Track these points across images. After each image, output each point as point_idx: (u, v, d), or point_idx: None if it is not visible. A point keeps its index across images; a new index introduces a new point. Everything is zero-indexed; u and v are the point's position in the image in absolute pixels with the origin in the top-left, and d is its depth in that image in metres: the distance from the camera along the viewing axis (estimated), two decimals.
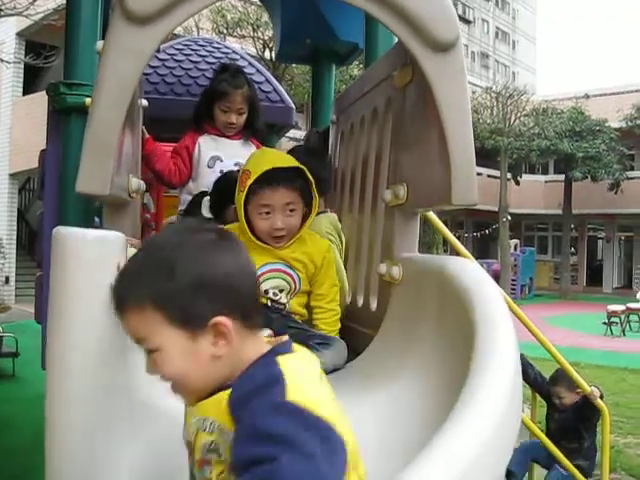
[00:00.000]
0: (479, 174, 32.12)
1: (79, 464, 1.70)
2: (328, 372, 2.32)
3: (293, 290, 2.62)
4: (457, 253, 4.39)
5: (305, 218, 2.61)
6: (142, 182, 2.47)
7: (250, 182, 2.44)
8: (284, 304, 2.60)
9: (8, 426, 6.45)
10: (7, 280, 19.23)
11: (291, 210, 2.53)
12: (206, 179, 3.43)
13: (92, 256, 1.73)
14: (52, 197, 3.46)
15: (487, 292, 1.80)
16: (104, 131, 1.92)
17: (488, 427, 1.38)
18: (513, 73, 46.49)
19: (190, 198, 3.48)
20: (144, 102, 3.45)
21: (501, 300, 1.78)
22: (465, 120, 2.09)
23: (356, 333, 2.85)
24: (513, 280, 27.11)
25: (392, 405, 1.96)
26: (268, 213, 2.50)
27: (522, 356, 5.32)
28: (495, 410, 1.42)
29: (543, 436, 4.60)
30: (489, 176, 31.75)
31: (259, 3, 10.96)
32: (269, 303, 2.56)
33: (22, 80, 21.16)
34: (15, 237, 20.41)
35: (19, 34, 20.99)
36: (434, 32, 2.03)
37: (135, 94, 2.46)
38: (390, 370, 2.15)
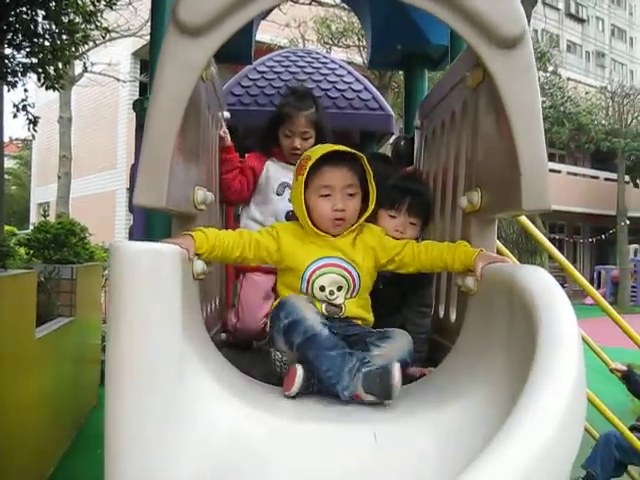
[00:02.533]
0: (595, 177, 31.14)
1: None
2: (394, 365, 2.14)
3: (352, 289, 2.42)
4: (554, 259, 4.22)
5: (362, 212, 2.48)
6: (210, 194, 2.47)
7: (311, 163, 2.37)
8: (340, 306, 2.40)
9: None
10: None
11: (351, 194, 2.42)
12: (274, 207, 3.31)
13: (145, 268, 1.72)
14: (140, 210, 3.53)
15: (554, 305, 1.67)
16: (158, 144, 1.93)
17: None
18: (631, 71, 44.50)
19: (253, 224, 3.32)
20: (226, 114, 3.48)
21: (569, 313, 1.65)
22: (535, 120, 1.97)
23: (437, 345, 2.76)
24: (633, 287, 25.95)
25: (458, 422, 1.86)
26: (328, 195, 2.40)
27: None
28: (539, 441, 1.30)
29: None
30: (606, 179, 30.61)
31: None
32: (324, 308, 2.37)
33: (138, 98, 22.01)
34: None
35: (134, 54, 21.88)
36: (497, 27, 1.92)
37: (201, 104, 2.47)
38: (461, 385, 2.05)
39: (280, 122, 3.31)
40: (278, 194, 3.31)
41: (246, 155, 3.47)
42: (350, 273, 2.41)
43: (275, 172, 3.35)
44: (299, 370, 2.14)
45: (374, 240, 2.49)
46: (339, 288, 2.40)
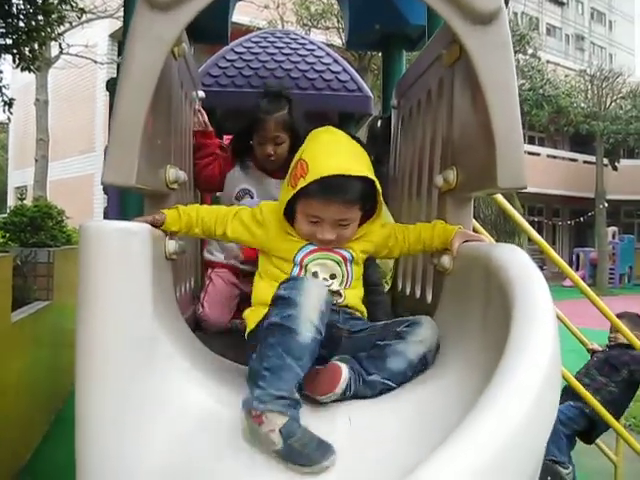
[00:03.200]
0: (574, 160, 31.29)
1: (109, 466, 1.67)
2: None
3: (346, 278, 2.20)
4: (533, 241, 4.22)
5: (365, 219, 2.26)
6: (182, 173, 2.43)
7: (304, 184, 2.05)
8: (339, 292, 2.16)
9: None
10: None
11: (343, 225, 2.14)
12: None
13: (114, 247, 1.69)
14: (114, 191, 3.50)
15: (530, 284, 1.66)
16: (128, 120, 1.88)
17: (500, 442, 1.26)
18: (610, 55, 44.67)
19: None
20: (201, 93, 3.44)
21: (544, 291, 1.64)
22: (510, 97, 1.95)
23: None
24: (611, 269, 26.17)
25: (434, 402, 1.85)
26: (316, 222, 2.13)
27: None
28: (514, 417, 1.29)
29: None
30: (585, 162, 30.78)
31: None
32: None
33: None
34: None
35: (111, 36, 21.67)
36: (473, 3, 1.89)
37: (173, 81, 2.43)
38: (436, 365, 2.03)
39: (253, 129, 3.13)
40: (237, 198, 3.18)
41: (224, 137, 3.40)
42: (345, 258, 2.20)
43: (239, 177, 3.22)
44: (344, 371, 1.91)
45: (377, 232, 2.33)
46: (332, 276, 2.18)
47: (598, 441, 4.79)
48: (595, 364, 4.77)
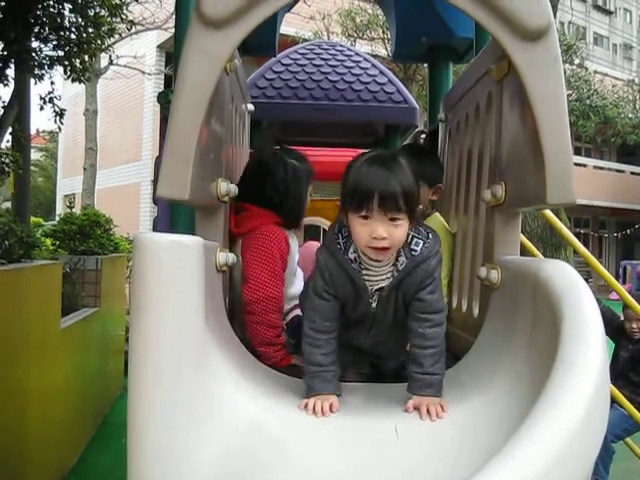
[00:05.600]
0: (621, 171, 30.79)
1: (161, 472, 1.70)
2: None
3: None
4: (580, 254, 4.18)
5: None
6: (233, 186, 2.46)
7: None
8: None
9: None
10: None
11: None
12: (291, 289, 2.88)
13: (168, 260, 1.73)
14: (164, 202, 3.55)
15: (579, 300, 1.66)
16: (182, 135, 1.92)
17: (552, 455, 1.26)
18: None
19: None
20: (250, 106, 3.48)
21: (593, 307, 1.64)
22: (560, 114, 1.95)
23: (459, 339, 2.75)
24: None
25: (479, 417, 1.85)
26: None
27: None
28: (565, 431, 1.30)
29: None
30: (632, 173, 30.29)
31: None
32: None
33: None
34: None
35: (159, 47, 22.00)
36: (522, 19, 1.90)
37: (225, 97, 2.47)
38: (482, 379, 2.04)
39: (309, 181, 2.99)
40: (295, 274, 2.94)
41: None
42: None
43: (294, 248, 2.90)
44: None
45: None
46: None
47: None
48: (625, 366, 4.79)
